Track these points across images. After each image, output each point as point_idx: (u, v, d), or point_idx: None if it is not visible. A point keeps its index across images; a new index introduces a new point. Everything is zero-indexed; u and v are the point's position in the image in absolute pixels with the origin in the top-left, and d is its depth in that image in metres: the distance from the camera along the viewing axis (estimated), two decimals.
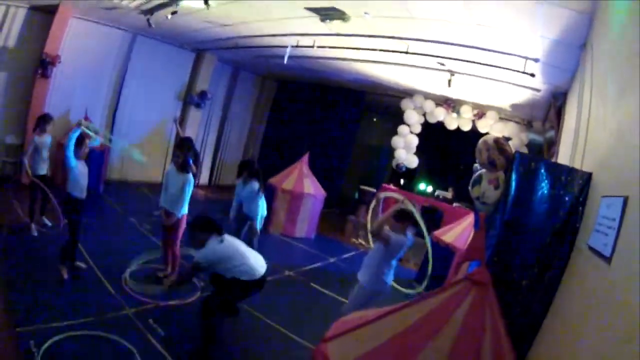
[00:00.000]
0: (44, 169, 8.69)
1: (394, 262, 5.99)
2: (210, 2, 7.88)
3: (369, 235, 6.11)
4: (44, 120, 8.67)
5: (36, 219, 8.63)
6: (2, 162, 11.62)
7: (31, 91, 11.35)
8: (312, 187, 12.35)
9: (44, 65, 10.98)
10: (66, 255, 7.04)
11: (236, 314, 6.52)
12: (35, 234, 8.40)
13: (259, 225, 8.53)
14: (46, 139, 8.71)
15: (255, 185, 8.56)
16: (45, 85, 11.46)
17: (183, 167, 7.25)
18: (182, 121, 15.18)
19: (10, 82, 11.25)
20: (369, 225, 8.43)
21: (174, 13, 9.01)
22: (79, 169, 7.05)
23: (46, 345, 4.98)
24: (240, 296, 5.96)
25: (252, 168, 8.69)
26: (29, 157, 8.43)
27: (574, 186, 3.41)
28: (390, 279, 6.04)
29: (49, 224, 8.76)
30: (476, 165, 4.53)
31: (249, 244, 8.69)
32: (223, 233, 5.75)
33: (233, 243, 5.82)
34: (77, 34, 12.02)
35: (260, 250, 8.99)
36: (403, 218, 5.90)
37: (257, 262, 5.84)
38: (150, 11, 9.81)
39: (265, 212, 8.85)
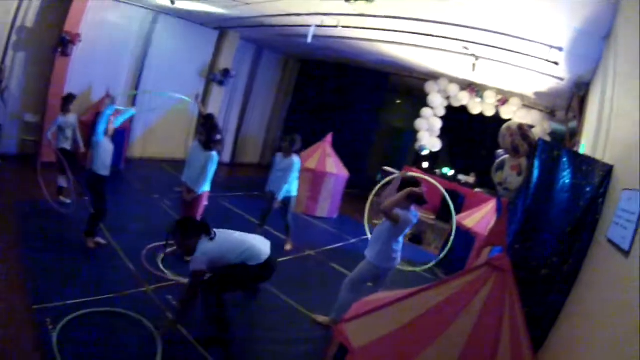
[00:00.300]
0: (65, 144, 8.87)
1: (400, 239, 5.99)
2: None
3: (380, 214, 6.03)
4: (67, 100, 8.74)
5: (64, 192, 8.87)
6: (21, 140, 11.72)
7: (51, 70, 11.37)
8: (335, 167, 12.33)
9: (64, 43, 11.00)
10: (91, 228, 7.22)
11: (256, 294, 6.48)
12: (69, 201, 8.63)
13: (279, 197, 8.64)
14: (70, 119, 8.86)
15: (294, 161, 8.65)
16: (65, 64, 11.50)
17: (207, 145, 7.27)
18: (204, 99, 15.21)
19: (29, 61, 11.29)
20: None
21: None
22: (105, 146, 7.13)
23: (63, 322, 5.02)
24: (252, 281, 5.78)
25: (295, 143, 8.74)
26: (53, 135, 8.55)
27: (595, 177, 3.40)
28: (397, 257, 6.06)
29: (68, 201, 8.84)
30: (499, 151, 4.54)
31: (285, 221, 8.76)
32: (211, 230, 5.31)
33: (227, 235, 5.47)
34: (98, 12, 12.02)
35: (280, 227, 9.05)
36: (407, 195, 5.65)
37: (260, 244, 5.54)
38: None
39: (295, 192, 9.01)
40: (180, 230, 5.23)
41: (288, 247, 9.05)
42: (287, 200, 8.86)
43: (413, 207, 5.85)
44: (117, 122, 7.48)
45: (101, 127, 7.03)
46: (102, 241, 7.47)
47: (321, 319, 6.42)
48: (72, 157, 8.76)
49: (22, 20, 10.77)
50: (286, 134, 18.39)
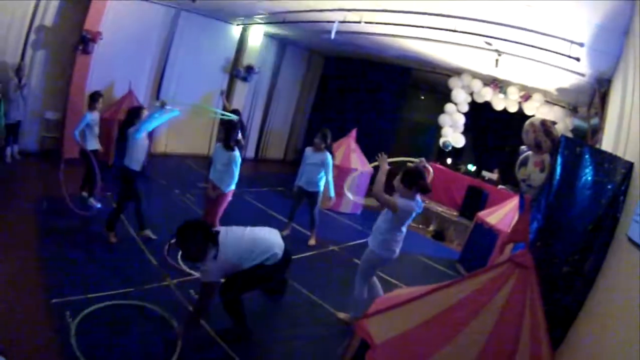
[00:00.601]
0: (94, 145, 8.93)
1: (403, 229, 5.94)
2: None
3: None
4: (94, 97, 8.83)
5: (95, 192, 8.90)
6: (42, 137, 11.87)
7: (71, 68, 11.48)
8: (359, 163, 12.30)
9: (84, 41, 11.08)
10: (111, 223, 7.35)
11: (283, 291, 6.51)
12: (99, 205, 8.63)
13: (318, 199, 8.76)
14: (96, 116, 8.98)
15: (328, 156, 8.69)
16: (86, 62, 11.59)
17: (227, 145, 7.29)
18: (228, 94, 15.27)
19: (49, 59, 11.40)
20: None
21: None
22: (142, 142, 7.34)
23: (82, 315, 5.10)
24: (270, 278, 5.58)
25: (327, 137, 8.77)
26: (80, 133, 8.61)
27: (617, 175, 3.37)
28: (399, 247, 6.02)
29: (98, 205, 8.79)
30: (523, 147, 4.52)
31: (311, 214, 8.76)
32: (217, 235, 4.99)
33: (237, 236, 5.19)
34: (119, 10, 12.09)
35: (306, 224, 9.06)
36: (411, 182, 5.66)
37: (273, 241, 5.37)
38: None
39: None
40: (182, 237, 4.89)
41: (312, 242, 9.08)
42: (314, 195, 8.88)
43: (418, 196, 5.82)
44: (159, 122, 7.61)
45: (145, 126, 7.27)
46: (152, 236, 7.69)
47: (342, 315, 6.45)
48: (96, 155, 8.80)
49: (40, 19, 10.90)
50: (311, 129, 18.45)
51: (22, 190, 9.02)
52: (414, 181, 5.63)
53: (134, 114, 7.68)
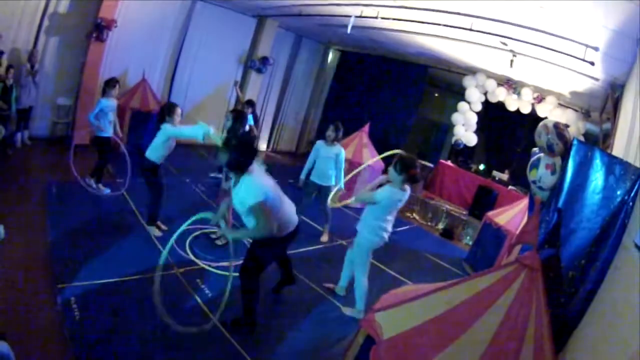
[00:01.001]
0: (109, 132, 8.85)
1: (390, 217, 6.08)
2: None
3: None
4: (109, 83, 8.83)
5: (105, 177, 8.96)
6: (53, 123, 11.95)
7: (84, 55, 11.54)
8: (371, 157, 12.19)
9: (99, 29, 11.12)
10: (153, 216, 7.49)
11: (293, 283, 6.46)
12: (108, 191, 8.71)
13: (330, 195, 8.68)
14: (112, 102, 8.90)
15: (341, 150, 8.67)
16: (100, 49, 11.63)
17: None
18: (242, 85, 15.30)
19: (62, 45, 11.44)
20: None
21: None
22: (171, 143, 7.60)
23: (87, 302, 5.15)
24: (281, 249, 5.64)
25: (339, 130, 8.68)
26: (95, 119, 8.62)
27: (627, 181, 3.37)
28: (387, 233, 6.16)
29: (107, 190, 8.87)
30: (535, 149, 4.52)
31: (324, 210, 8.79)
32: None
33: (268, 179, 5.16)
34: None
35: (315, 217, 9.05)
36: (402, 170, 5.77)
37: (292, 209, 5.38)
38: None
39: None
40: (245, 145, 4.92)
41: (324, 238, 9.05)
42: (326, 189, 8.80)
43: (407, 185, 5.94)
44: (189, 133, 7.77)
45: (180, 132, 7.64)
46: (163, 227, 7.70)
47: (349, 311, 6.51)
48: (109, 143, 8.82)
49: (55, 6, 10.93)
50: (324, 122, 18.43)
51: (32, 176, 9.07)
52: (405, 169, 5.74)
53: (168, 110, 7.74)
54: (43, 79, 11.06)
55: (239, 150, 4.80)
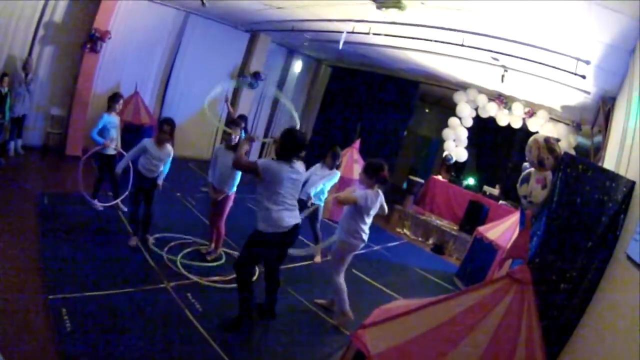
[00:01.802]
0: (111, 149, 8.69)
1: (367, 220, 6.29)
2: None
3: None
4: (113, 98, 8.77)
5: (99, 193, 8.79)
6: (46, 133, 11.94)
7: (78, 65, 11.59)
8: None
9: (93, 40, 11.17)
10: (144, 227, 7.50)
11: (273, 317, 6.23)
12: (101, 209, 8.57)
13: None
14: (115, 118, 8.79)
15: (336, 175, 8.64)
16: (94, 60, 11.68)
17: (230, 147, 7.34)
18: (234, 100, 15.32)
19: (56, 56, 11.49)
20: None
21: None
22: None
23: (78, 313, 5.10)
24: (276, 249, 5.69)
25: (337, 157, 8.62)
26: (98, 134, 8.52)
27: (618, 193, 3.39)
28: (365, 235, 6.33)
29: (99, 206, 8.70)
30: (525, 164, 4.53)
31: (313, 229, 8.65)
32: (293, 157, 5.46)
33: (291, 175, 5.45)
34: (128, 10, 12.21)
35: (305, 234, 9.02)
36: (372, 173, 6.14)
37: (288, 217, 5.49)
38: None
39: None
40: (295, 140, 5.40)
41: (317, 259, 8.89)
42: (316, 208, 8.70)
43: (377, 187, 6.24)
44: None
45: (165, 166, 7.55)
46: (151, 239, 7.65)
47: (335, 322, 6.63)
48: (110, 162, 8.73)
49: (50, 15, 11.00)
50: (316, 137, 18.41)
51: (24, 186, 9.01)
52: (375, 172, 6.12)
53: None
54: (37, 88, 11.10)
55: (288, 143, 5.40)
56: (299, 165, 5.62)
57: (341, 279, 6.43)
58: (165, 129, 7.24)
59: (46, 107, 11.74)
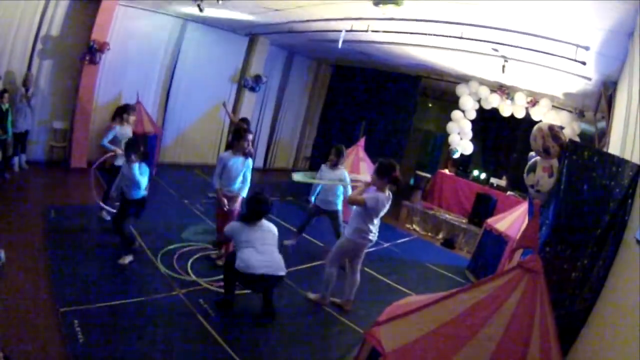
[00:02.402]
0: (121, 160, 8.48)
1: (376, 221, 6.44)
2: None
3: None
4: (123, 110, 8.76)
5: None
6: (49, 147, 11.95)
7: (78, 78, 11.58)
8: (367, 172, 12.10)
9: (91, 51, 11.16)
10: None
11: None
12: (108, 218, 8.51)
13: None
14: (127, 130, 8.80)
15: (345, 173, 8.58)
16: (93, 72, 11.67)
17: (244, 152, 7.45)
18: (236, 105, 15.33)
19: (56, 69, 11.51)
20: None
21: None
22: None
23: (90, 324, 5.11)
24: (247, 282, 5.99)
25: (342, 154, 8.62)
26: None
27: (624, 178, 3.37)
28: (374, 235, 6.46)
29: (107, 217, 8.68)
30: (532, 153, 4.51)
31: (337, 235, 8.49)
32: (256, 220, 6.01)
33: (254, 230, 5.95)
34: (126, 20, 12.24)
35: (316, 233, 8.97)
36: (383, 174, 6.20)
37: (257, 260, 5.71)
38: None
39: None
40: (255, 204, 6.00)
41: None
42: (334, 214, 8.72)
43: (388, 188, 6.32)
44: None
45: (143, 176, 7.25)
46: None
47: (312, 296, 6.88)
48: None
49: (47, 28, 11.03)
50: (320, 138, 18.38)
51: (30, 200, 9.07)
52: (387, 173, 6.18)
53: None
54: (38, 103, 11.12)
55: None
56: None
57: (333, 270, 6.63)
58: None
59: (48, 121, 11.76)
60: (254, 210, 5.96)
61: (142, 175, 6.96)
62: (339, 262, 6.70)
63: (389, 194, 6.28)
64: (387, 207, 6.31)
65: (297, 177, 7.64)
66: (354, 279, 6.79)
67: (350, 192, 8.41)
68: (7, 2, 10.07)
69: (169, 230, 8.42)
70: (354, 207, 6.43)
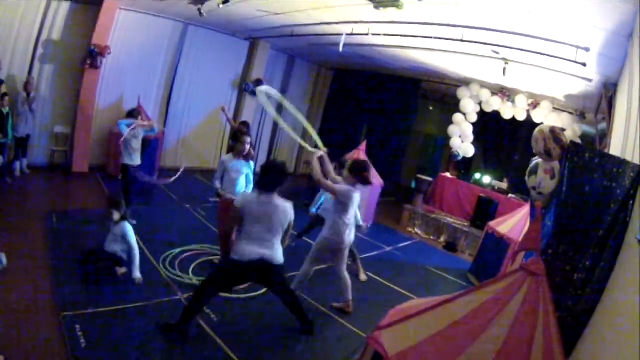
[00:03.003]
0: (130, 159, 8.78)
1: (350, 217, 6.49)
2: None
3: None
4: (131, 113, 8.78)
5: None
6: (51, 151, 11.98)
7: (80, 82, 11.62)
8: (370, 175, 12.20)
9: (92, 56, 11.21)
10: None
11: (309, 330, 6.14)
12: (134, 222, 8.30)
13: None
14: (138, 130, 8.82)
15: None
16: (95, 76, 11.72)
17: (245, 156, 7.56)
18: (237, 109, 15.34)
19: (57, 73, 11.55)
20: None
21: (225, 2, 9.03)
22: None
23: (93, 329, 5.10)
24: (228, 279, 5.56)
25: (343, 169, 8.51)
26: (122, 147, 8.65)
27: (626, 179, 3.36)
28: (350, 235, 6.57)
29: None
30: (535, 158, 4.51)
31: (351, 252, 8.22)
32: (271, 190, 5.44)
33: (265, 204, 5.39)
34: (127, 24, 12.30)
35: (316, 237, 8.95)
36: (356, 172, 6.42)
37: (253, 246, 5.32)
38: (201, 0, 9.88)
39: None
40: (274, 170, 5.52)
41: (363, 276, 8.51)
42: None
43: (359, 186, 6.50)
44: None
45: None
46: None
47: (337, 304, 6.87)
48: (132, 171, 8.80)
49: (47, 33, 11.07)
50: (321, 141, 18.35)
51: (32, 204, 9.08)
52: (358, 172, 6.42)
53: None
54: (40, 107, 11.11)
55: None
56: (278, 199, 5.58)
57: (309, 269, 6.65)
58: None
59: (50, 126, 11.79)
60: (269, 178, 5.40)
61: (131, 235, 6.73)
62: (315, 264, 6.71)
63: (358, 189, 6.52)
64: (357, 201, 6.56)
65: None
66: (343, 282, 6.79)
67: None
68: (7, 5, 10.14)
69: (170, 234, 8.42)
70: (330, 204, 6.73)
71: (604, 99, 8.21)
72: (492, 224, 9.87)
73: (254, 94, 15.43)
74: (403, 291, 8.13)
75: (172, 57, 14.03)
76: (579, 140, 11.50)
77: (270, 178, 5.43)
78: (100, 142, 12.21)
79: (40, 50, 11.06)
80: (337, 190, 6.23)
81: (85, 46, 11.33)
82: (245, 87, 15.43)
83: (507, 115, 13.20)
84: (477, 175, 14.86)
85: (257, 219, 5.31)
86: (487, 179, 14.50)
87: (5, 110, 9.60)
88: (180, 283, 6.76)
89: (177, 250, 7.81)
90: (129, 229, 6.65)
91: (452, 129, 14.54)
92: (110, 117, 12.01)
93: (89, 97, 11.74)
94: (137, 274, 6.54)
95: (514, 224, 9.32)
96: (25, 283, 5.89)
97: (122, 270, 6.60)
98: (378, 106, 17.25)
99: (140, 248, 7.26)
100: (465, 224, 12.77)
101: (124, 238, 6.62)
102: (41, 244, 7.22)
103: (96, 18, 11.25)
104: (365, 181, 6.41)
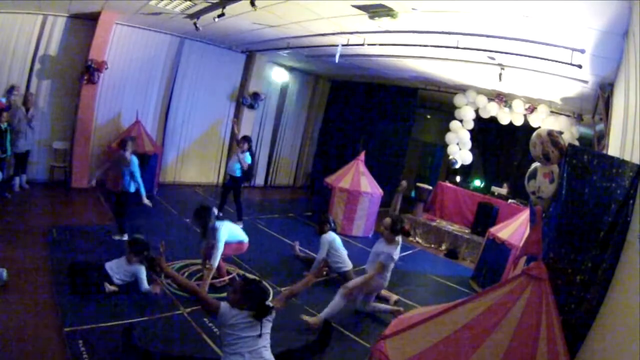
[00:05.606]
0: (132, 186, 8.76)
1: (387, 274, 7.23)
2: (256, 3, 7.78)
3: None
4: (124, 142, 8.77)
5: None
6: (50, 167, 12.00)
7: (77, 97, 11.65)
8: (368, 186, 12.30)
9: (89, 71, 11.23)
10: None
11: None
12: (126, 238, 8.45)
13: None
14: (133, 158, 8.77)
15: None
16: (92, 91, 11.74)
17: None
18: (235, 122, 15.40)
19: (54, 89, 11.60)
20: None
21: (220, 16, 9.03)
22: None
23: (95, 344, 5.09)
24: None
25: (329, 223, 8.58)
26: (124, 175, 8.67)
27: (625, 179, 3.36)
28: (385, 281, 7.32)
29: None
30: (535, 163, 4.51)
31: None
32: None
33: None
34: (123, 39, 12.36)
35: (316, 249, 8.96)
36: (398, 230, 6.94)
37: None
38: (197, 15, 9.91)
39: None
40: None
41: (394, 297, 8.15)
42: (346, 274, 8.35)
43: (398, 238, 7.01)
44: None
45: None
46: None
47: (311, 320, 6.54)
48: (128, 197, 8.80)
49: (44, 48, 11.13)
50: (319, 153, 18.35)
51: (32, 220, 9.03)
52: (398, 230, 6.93)
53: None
54: (38, 123, 11.10)
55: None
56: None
57: (344, 301, 6.72)
58: None
59: (49, 141, 11.82)
60: (258, 302, 4.22)
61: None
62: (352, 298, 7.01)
63: (398, 242, 7.07)
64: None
65: None
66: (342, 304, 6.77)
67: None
68: (4, 20, 10.20)
69: (172, 249, 8.39)
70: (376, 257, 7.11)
71: (601, 100, 8.23)
72: (493, 230, 9.90)
73: (251, 107, 15.47)
74: (405, 300, 8.11)
75: (169, 71, 14.04)
76: (577, 143, 11.51)
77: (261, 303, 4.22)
78: (99, 158, 12.21)
79: (37, 66, 11.11)
80: (384, 263, 6.95)
81: (83, 61, 11.36)
82: (243, 101, 15.43)
83: (504, 120, 13.21)
84: (477, 183, 14.86)
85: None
86: (486, 185, 14.51)
87: (4, 125, 9.59)
88: (182, 298, 6.71)
89: (178, 265, 7.80)
90: (142, 272, 6.69)
91: (449, 136, 14.55)
92: (108, 133, 12.01)
93: (88, 112, 11.76)
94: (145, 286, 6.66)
95: (514, 229, 9.34)
96: (26, 298, 5.88)
97: (111, 288, 6.50)
98: (376, 116, 17.31)
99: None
100: (466, 231, 12.78)
101: (133, 276, 6.66)
102: (41, 259, 7.21)
103: (93, 33, 11.28)
104: (406, 233, 7.00)
